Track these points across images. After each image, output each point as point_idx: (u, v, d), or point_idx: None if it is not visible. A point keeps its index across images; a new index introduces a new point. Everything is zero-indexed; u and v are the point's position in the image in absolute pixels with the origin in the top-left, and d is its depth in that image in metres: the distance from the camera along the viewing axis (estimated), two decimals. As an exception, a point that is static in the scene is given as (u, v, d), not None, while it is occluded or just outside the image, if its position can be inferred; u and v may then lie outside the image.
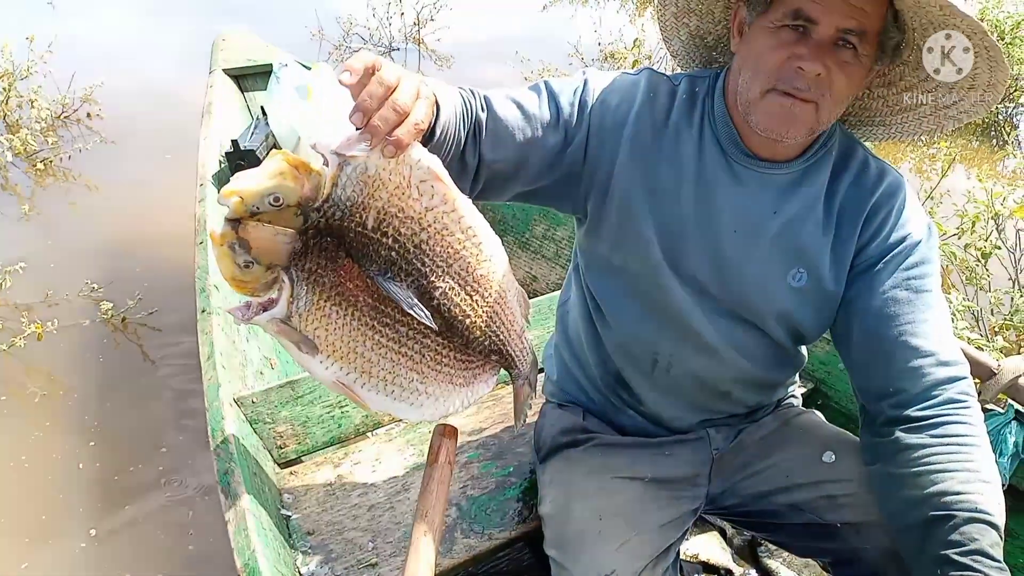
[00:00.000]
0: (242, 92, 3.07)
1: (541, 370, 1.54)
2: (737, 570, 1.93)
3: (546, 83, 1.25)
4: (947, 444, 1.11)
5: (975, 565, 1.01)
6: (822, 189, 1.23)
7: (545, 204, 1.35)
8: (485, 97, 1.19)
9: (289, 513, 1.46)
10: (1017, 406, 1.64)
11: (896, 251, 1.21)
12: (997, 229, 2.62)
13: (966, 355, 1.67)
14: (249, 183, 0.92)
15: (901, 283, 1.19)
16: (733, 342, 1.29)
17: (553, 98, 1.23)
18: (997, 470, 1.12)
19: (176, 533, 2.09)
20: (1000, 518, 1.06)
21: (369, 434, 1.76)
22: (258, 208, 0.93)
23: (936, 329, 1.17)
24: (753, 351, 1.31)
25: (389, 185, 0.97)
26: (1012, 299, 2.45)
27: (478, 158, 1.17)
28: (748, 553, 1.98)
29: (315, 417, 1.64)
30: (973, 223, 2.74)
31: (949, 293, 2.39)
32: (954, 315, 2.22)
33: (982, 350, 1.89)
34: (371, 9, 6.77)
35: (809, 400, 2.01)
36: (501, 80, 5.83)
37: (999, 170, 5.04)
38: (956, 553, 1.03)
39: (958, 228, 2.84)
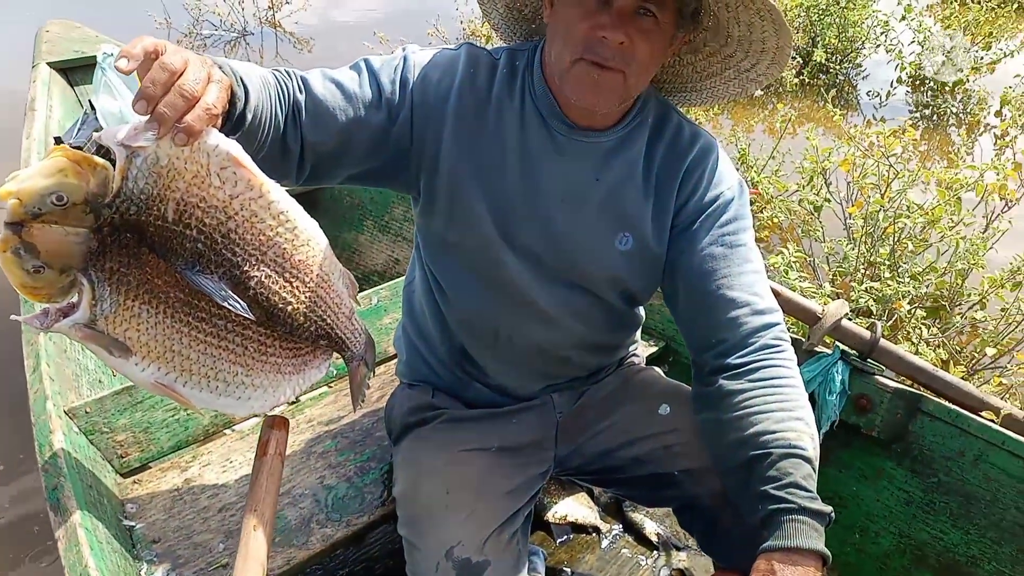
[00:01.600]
0: (72, 87, 2.88)
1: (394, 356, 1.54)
2: (604, 527, 2.00)
3: (366, 61, 1.24)
4: (763, 387, 1.17)
5: (789, 497, 1.08)
6: (640, 155, 1.27)
7: (379, 185, 1.34)
8: (303, 78, 1.17)
9: (132, 523, 1.40)
10: (842, 347, 1.76)
11: (711, 209, 1.26)
12: (826, 183, 2.79)
13: (794, 303, 1.78)
14: (26, 183, 0.87)
15: (717, 239, 1.25)
16: (569, 309, 1.33)
17: (374, 76, 1.22)
18: (809, 406, 1.20)
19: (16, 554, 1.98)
20: (812, 451, 1.13)
21: (223, 433, 1.71)
22: (40, 209, 0.88)
23: (751, 281, 1.24)
24: (589, 316, 1.35)
25: (186, 174, 0.93)
26: (843, 247, 2.63)
27: (300, 141, 1.15)
28: (614, 510, 2.06)
29: (158, 422, 1.58)
30: (811, 178, 2.91)
31: (786, 246, 2.54)
32: (790, 266, 2.36)
33: (811, 298, 2.02)
34: (221, -7, 6.50)
35: (660, 358, 2.09)
36: (360, 56, 5.72)
37: (844, 127, 5.37)
38: (773, 488, 1.09)
39: (798, 184, 3.01)
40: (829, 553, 1.04)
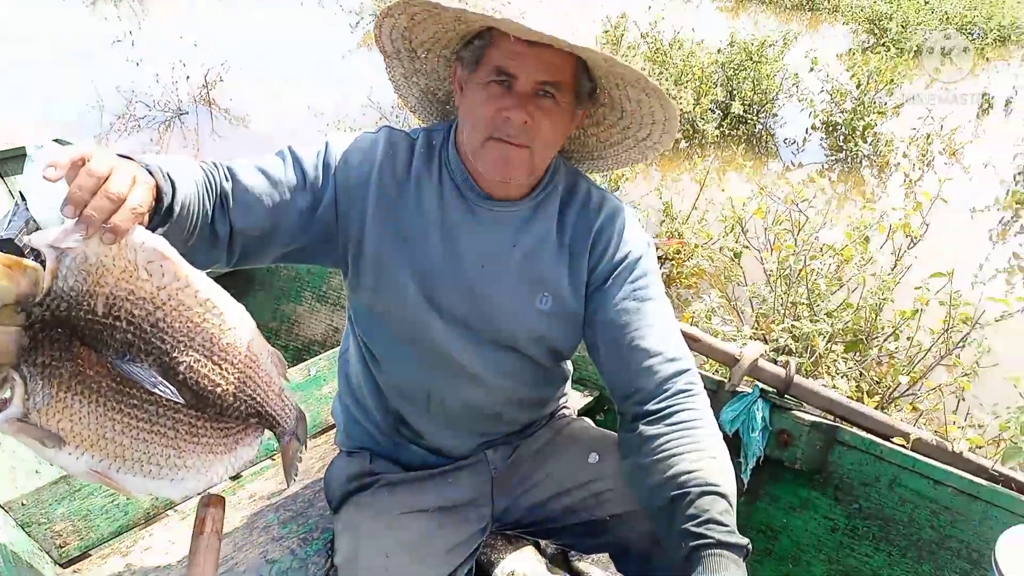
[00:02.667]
0: (2, 177, 2.90)
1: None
2: (552, 581, 2.04)
3: (290, 148, 1.32)
4: (679, 430, 1.26)
5: (708, 533, 1.15)
6: (553, 221, 1.37)
7: (309, 262, 1.41)
8: (229, 168, 1.24)
9: (74, 614, 1.40)
10: (761, 386, 1.86)
11: (621, 267, 1.36)
12: (743, 231, 2.96)
13: (714, 348, 1.89)
14: (-44, 287, 0.91)
15: (629, 295, 1.34)
16: (497, 368, 1.40)
17: (298, 162, 1.29)
18: (723, 445, 1.29)
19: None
20: (727, 486, 1.22)
21: (164, 515, 1.71)
22: (-29, 311, 0.92)
23: (661, 331, 1.33)
24: (517, 373, 1.43)
25: (114, 270, 0.99)
26: (766, 291, 2.78)
27: (229, 227, 1.21)
28: (560, 560, 2.09)
29: (97, 508, 1.58)
30: (732, 227, 3.07)
31: (710, 292, 2.68)
32: (712, 311, 2.48)
33: (733, 340, 2.12)
34: (155, 75, 6.55)
35: (594, 408, 2.17)
36: (300, 134, 5.81)
37: (765, 173, 5.62)
38: (693, 525, 1.17)
39: (720, 233, 3.17)
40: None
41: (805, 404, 1.84)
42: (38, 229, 2.44)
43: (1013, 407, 1.99)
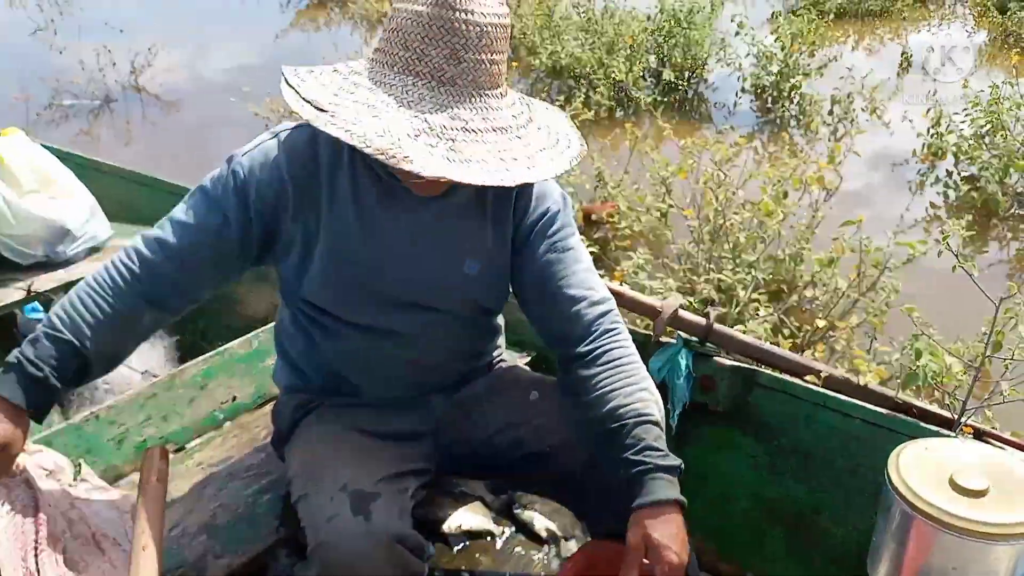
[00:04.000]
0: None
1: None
2: (497, 530, 2.12)
3: (200, 188, 1.38)
4: (609, 368, 1.37)
5: (645, 459, 1.28)
6: (471, 188, 1.43)
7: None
8: (148, 268, 1.34)
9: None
10: (684, 335, 1.97)
11: (541, 223, 1.44)
12: (668, 191, 3.08)
13: (636, 302, 1.99)
14: None
15: (549, 248, 1.43)
16: (435, 331, 1.48)
17: (214, 201, 1.35)
18: (649, 377, 1.41)
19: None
20: (658, 414, 1.35)
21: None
22: None
23: (583, 278, 1.43)
24: (452, 332, 1.51)
25: None
26: (692, 248, 2.92)
27: (178, 308, 1.41)
28: (506, 513, 2.19)
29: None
30: (658, 187, 3.19)
31: (636, 252, 2.80)
32: (640, 267, 2.60)
33: (658, 293, 2.23)
34: (79, 63, 6.38)
35: (532, 367, 2.25)
36: (232, 118, 5.75)
37: (697, 138, 5.76)
38: (632, 453, 1.29)
39: (652, 195, 3.29)
40: (684, 499, 1.29)
41: (725, 350, 1.95)
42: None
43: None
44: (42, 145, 2.71)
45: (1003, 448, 1.54)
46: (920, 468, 1.36)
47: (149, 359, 2.48)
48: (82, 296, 1.32)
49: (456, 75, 1.17)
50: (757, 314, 2.62)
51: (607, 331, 1.40)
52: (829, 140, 4.98)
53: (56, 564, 1.45)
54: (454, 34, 1.16)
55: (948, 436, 1.60)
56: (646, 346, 2.00)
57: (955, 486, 1.31)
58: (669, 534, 1.24)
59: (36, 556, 1.44)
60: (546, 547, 2.06)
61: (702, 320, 1.93)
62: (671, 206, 3.07)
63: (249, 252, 1.38)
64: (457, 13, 1.15)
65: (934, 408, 1.76)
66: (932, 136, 4.92)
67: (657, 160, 3.05)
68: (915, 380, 2.01)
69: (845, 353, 2.56)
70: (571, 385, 1.41)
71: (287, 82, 1.23)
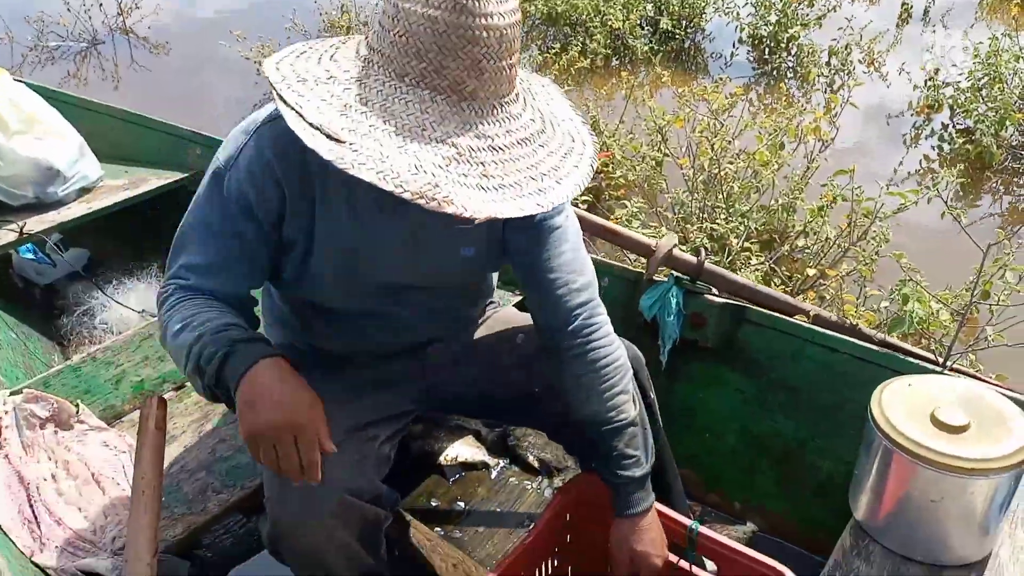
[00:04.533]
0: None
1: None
2: (492, 462, 2.18)
3: (205, 226, 1.27)
4: (589, 371, 1.39)
5: (620, 473, 1.39)
6: None
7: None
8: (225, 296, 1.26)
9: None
10: (676, 274, 1.99)
11: None
12: (664, 139, 3.07)
13: (632, 240, 2.00)
14: None
15: (536, 225, 1.38)
16: (432, 305, 1.48)
17: (231, 232, 1.25)
18: (629, 375, 1.43)
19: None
20: (635, 413, 1.41)
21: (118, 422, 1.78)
22: None
23: (567, 260, 1.39)
24: (450, 303, 1.53)
25: None
26: (686, 197, 2.93)
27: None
28: (500, 446, 2.24)
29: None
30: (664, 139, 3.17)
31: (630, 201, 2.80)
32: (634, 215, 2.61)
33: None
34: (65, 4, 6.24)
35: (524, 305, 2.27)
36: (222, 61, 5.66)
37: (695, 88, 5.70)
38: (606, 464, 1.40)
39: (647, 144, 3.28)
40: (654, 498, 1.42)
41: (716, 289, 1.97)
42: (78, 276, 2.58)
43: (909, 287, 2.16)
44: (27, 85, 2.68)
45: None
46: (903, 403, 1.39)
47: (146, 299, 2.49)
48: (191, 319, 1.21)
49: (478, 87, 1.06)
50: (749, 263, 2.64)
51: (586, 325, 1.39)
52: (826, 92, 4.93)
53: (54, 507, 1.48)
54: (475, 43, 1.03)
55: (934, 371, 1.63)
56: (638, 284, 2.02)
57: (936, 422, 1.34)
58: (649, 540, 1.39)
59: (31, 505, 1.47)
60: (539, 478, 2.12)
61: (694, 259, 1.95)
62: (666, 155, 3.05)
63: (271, 257, 1.32)
64: (477, 19, 1.02)
65: (920, 351, 1.79)
66: (929, 88, 4.87)
67: (653, 108, 3.02)
68: (901, 325, 2.05)
69: (834, 301, 2.59)
70: (554, 374, 1.44)
71: (283, 100, 1.06)
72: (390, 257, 1.36)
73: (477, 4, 1.02)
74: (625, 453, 1.39)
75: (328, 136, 1.02)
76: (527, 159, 1.10)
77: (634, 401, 1.42)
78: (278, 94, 1.07)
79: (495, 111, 1.08)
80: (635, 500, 1.40)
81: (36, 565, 1.38)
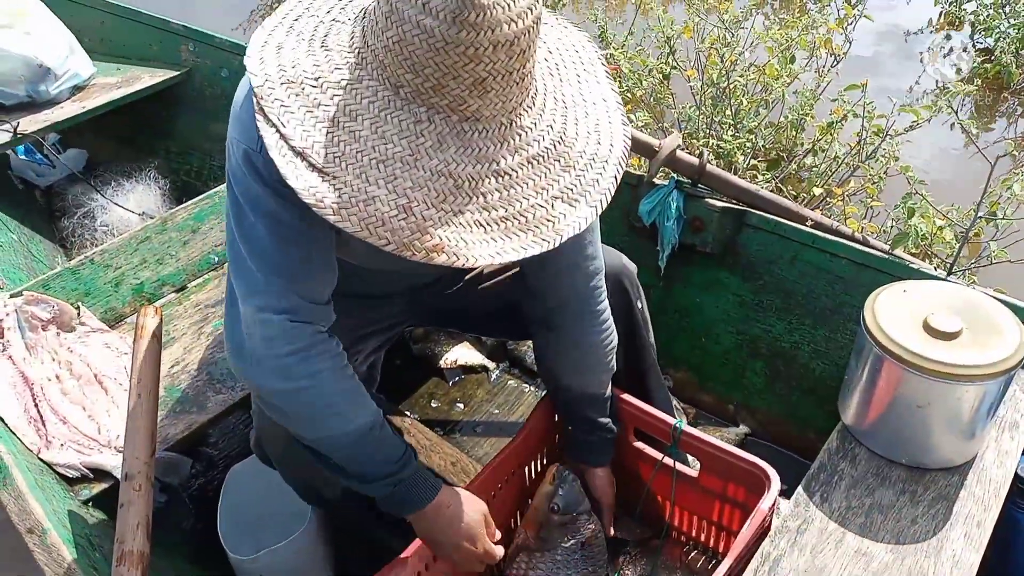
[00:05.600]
0: None
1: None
2: (491, 365, 2.21)
3: (270, 227, 1.07)
4: (583, 352, 1.38)
5: (591, 436, 1.47)
6: None
7: None
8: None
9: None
10: (677, 177, 1.95)
11: None
12: (672, 51, 2.95)
13: (636, 140, 1.94)
14: None
15: None
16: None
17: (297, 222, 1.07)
18: (612, 354, 1.41)
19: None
20: (606, 390, 1.45)
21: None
22: None
23: (585, 243, 1.29)
24: None
25: None
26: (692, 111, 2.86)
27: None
28: (500, 351, 2.27)
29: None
30: (672, 50, 3.05)
31: (635, 116, 2.73)
32: (638, 128, 2.54)
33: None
34: None
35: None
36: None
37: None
38: (580, 426, 1.47)
39: (656, 59, 3.18)
40: (609, 460, 1.51)
41: (716, 193, 1.94)
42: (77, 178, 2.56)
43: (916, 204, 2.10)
44: (7, -24, 2.58)
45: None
46: (896, 309, 1.37)
47: (145, 200, 2.49)
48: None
49: (482, 107, 0.91)
50: (755, 181, 2.58)
51: (589, 311, 1.35)
52: (841, 7, 4.67)
53: (58, 406, 1.52)
54: (478, 62, 0.87)
55: (931, 278, 1.61)
56: (639, 188, 1.98)
57: (929, 328, 1.33)
58: (609, 483, 1.52)
59: (36, 404, 1.50)
60: (537, 380, 2.16)
61: (696, 161, 1.91)
62: (674, 67, 2.94)
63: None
64: (481, 35, 0.85)
65: (921, 262, 1.77)
66: (950, 4, 4.62)
67: (662, 18, 2.90)
68: (905, 240, 2.00)
69: (838, 217, 2.54)
70: (537, 340, 1.43)
71: (264, 113, 0.92)
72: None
73: (481, 16, 0.84)
74: (596, 423, 1.45)
75: (311, 165, 0.90)
76: (538, 181, 0.97)
77: (605, 383, 1.46)
78: (259, 106, 0.92)
79: (502, 129, 0.94)
80: (601, 455, 1.49)
81: (43, 461, 1.43)
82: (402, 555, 1.27)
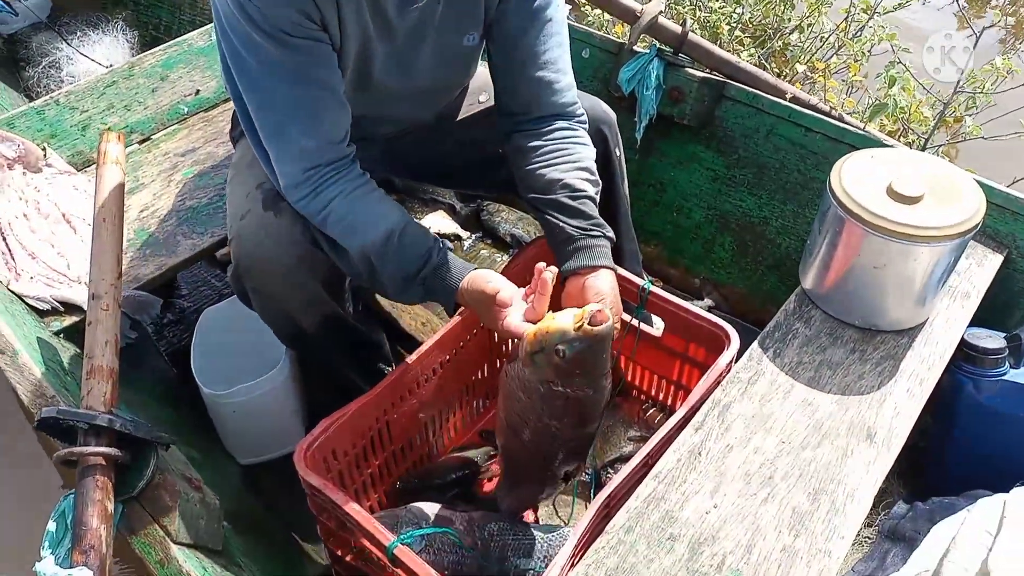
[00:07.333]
0: None
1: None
2: (465, 234, 2.23)
3: (289, 64, 1.16)
4: (553, 143, 1.35)
5: (581, 227, 1.30)
6: None
7: None
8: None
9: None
10: (658, 45, 1.92)
11: None
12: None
13: (617, 4, 1.90)
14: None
15: (529, 13, 1.30)
16: (425, 103, 1.46)
17: (304, 55, 1.16)
18: (593, 160, 1.38)
19: None
20: (594, 192, 1.34)
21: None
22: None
23: (555, 56, 1.33)
24: (443, 97, 1.50)
25: None
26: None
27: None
28: (473, 221, 2.28)
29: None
30: None
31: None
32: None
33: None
34: None
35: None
36: None
37: None
38: (567, 222, 1.31)
39: None
40: (614, 264, 1.31)
41: (697, 63, 1.91)
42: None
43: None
44: None
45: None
46: (861, 174, 1.39)
47: (112, 53, 2.41)
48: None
49: None
50: (739, 54, 2.54)
51: (562, 116, 1.36)
52: None
53: (27, 242, 1.52)
54: None
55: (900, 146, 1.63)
56: (619, 55, 1.95)
57: (891, 192, 1.35)
58: (609, 286, 1.28)
59: (4, 239, 1.49)
60: (510, 250, 2.18)
61: (678, 28, 1.88)
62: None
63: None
64: None
65: (895, 141, 1.78)
66: None
67: None
68: (883, 110, 2.00)
69: (823, 97, 2.52)
70: (514, 151, 1.39)
71: None
72: (404, 59, 1.31)
73: None
74: (587, 214, 1.33)
75: None
76: None
77: (595, 187, 1.37)
78: None
79: None
80: (596, 253, 1.31)
81: (13, 292, 1.44)
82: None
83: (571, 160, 1.35)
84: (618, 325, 1.30)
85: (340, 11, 1.17)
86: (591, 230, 1.31)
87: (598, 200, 1.36)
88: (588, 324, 1.06)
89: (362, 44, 1.24)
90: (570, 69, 1.39)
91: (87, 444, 1.03)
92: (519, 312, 1.19)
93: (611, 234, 1.33)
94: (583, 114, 1.40)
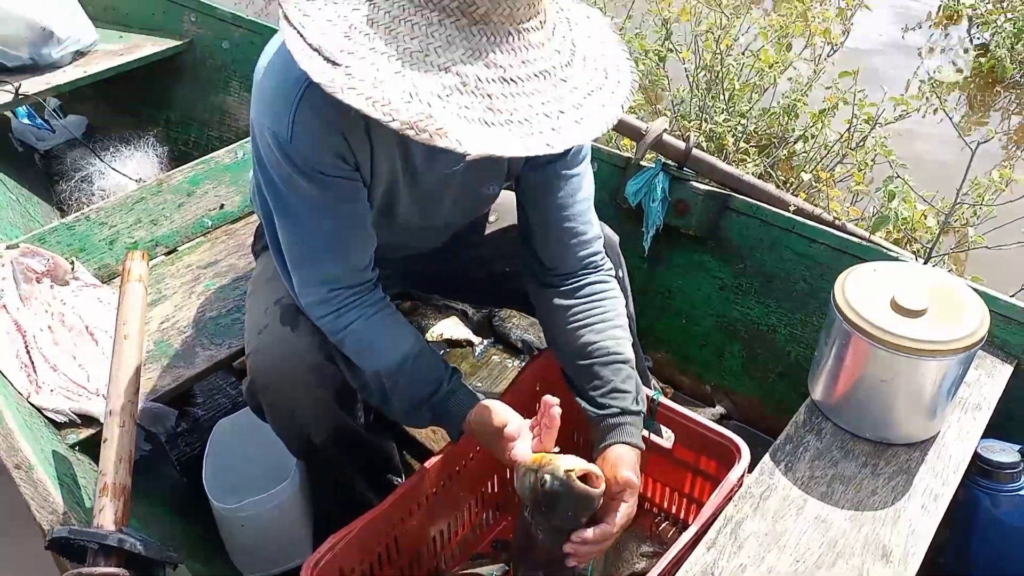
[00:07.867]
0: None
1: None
2: (476, 340, 2.25)
3: (320, 197, 1.20)
4: (586, 301, 1.37)
5: (611, 402, 1.30)
6: None
7: None
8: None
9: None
10: (663, 159, 1.99)
11: None
12: (668, 34, 3.00)
13: (624, 123, 1.99)
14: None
15: (556, 169, 1.34)
16: (442, 235, 1.52)
17: (336, 191, 1.21)
18: (628, 311, 1.42)
19: None
20: (629, 352, 1.35)
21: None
22: None
23: (581, 208, 1.36)
24: (459, 231, 1.56)
25: None
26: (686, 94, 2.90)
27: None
28: (485, 326, 2.31)
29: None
30: (668, 33, 3.10)
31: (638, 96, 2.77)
32: (631, 111, 2.57)
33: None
34: None
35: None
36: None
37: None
38: (599, 394, 1.32)
39: (654, 44, 3.22)
40: (642, 443, 1.30)
41: (702, 176, 1.98)
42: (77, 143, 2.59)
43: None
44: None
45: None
46: (865, 287, 1.42)
47: (143, 167, 2.53)
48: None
49: (490, 10, 0.95)
50: (744, 165, 2.63)
51: (590, 268, 1.39)
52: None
53: (49, 354, 1.56)
54: None
55: (902, 260, 1.66)
56: (626, 170, 2.03)
57: (895, 306, 1.38)
58: (634, 472, 1.26)
59: (28, 351, 1.54)
60: (521, 356, 2.20)
61: (682, 144, 1.95)
62: (670, 50, 2.99)
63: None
64: None
65: (900, 249, 1.81)
66: None
67: (660, 1, 2.95)
68: (885, 223, 2.05)
69: (825, 204, 2.59)
70: (545, 310, 1.41)
71: (287, 19, 0.99)
72: (429, 204, 1.36)
73: None
74: (618, 387, 1.32)
75: (325, 59, 0.95)
76: (544, 94, 0.99)
77: (631, 342, 1.38)
78: (283, 13, 0.99)
79: (511, 38, 0.97)
80: (625, 432, 1.29)
81: (33, 405, 1.47)
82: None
83: (605, 319, 1.36)
84: (632, 510, 1.25)
85: (373, 156, 1.22)
86: (614, 405, 1.31)
87: (633, 358, 1.37)
88: (578, 478, 1.11)
89: (389, 185, 1.28)
90: (596, 219, 1.41)
91: (96, 564, 1.04)
92: (527, 444, 1.20)
93: (640, 408, 1.33)
94: (607, 262, 1.42)
